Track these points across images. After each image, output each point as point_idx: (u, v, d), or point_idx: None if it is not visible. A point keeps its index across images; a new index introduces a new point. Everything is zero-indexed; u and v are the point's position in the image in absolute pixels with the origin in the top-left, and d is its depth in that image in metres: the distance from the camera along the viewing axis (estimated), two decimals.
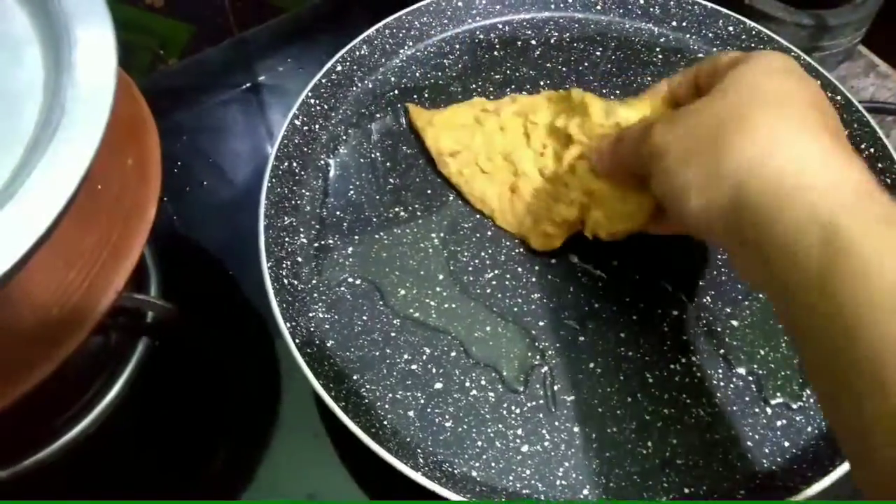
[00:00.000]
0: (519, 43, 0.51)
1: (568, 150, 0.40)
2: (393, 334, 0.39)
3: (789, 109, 0.30)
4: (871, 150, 0.44)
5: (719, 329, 0.39)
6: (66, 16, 0.32)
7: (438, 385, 0.38)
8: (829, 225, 0.25)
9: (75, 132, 0.29)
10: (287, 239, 0.42)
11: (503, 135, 0.43)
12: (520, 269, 0.41)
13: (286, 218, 0.42)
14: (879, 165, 0.44)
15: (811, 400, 0.37)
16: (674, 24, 0.52)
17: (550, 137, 0.42)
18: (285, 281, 0.40)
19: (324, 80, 0.46)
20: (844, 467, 0.33)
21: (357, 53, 0.48)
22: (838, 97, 0.46)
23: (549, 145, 0.42)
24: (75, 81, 0.30)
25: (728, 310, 0.40)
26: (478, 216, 0.43)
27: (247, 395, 0.46)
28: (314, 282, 0.41)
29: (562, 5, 0.53)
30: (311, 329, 0.39)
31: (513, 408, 0.37)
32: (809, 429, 0.36)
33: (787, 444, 0.36)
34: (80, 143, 0.28)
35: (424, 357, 0.38)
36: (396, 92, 0.49)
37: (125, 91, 0.38)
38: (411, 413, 0.37)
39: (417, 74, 0.50)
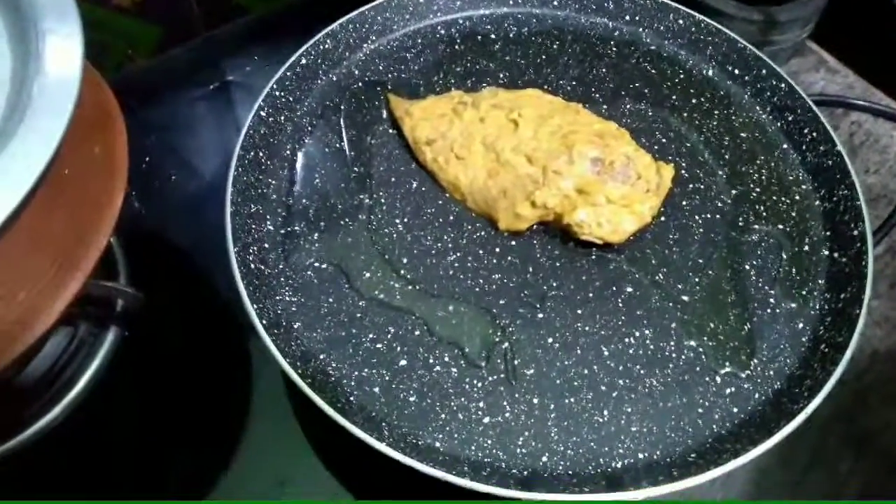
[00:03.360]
0: (479, 37, 0.53)
1: (576, 146, 0.42)
2: (358, 315, 0.40)
3: None
4: (814, 133, 0.46)
5: (671, 304, 0.41)
6: (34, 7, 0.32)
7: (403, 362, 0.39)
8: None
9: (43, 119, 0.29)
10: (254, 226, 0.43)
11: (483, 125, 0.45)
12: (481, 252, 0.43)
13: (252, 205, 0.43)
14: (821, 148, 0.46)
15: (758, 368, 0.39)
16: (627, 18, 0.54)
17: (543, 130, 0.44)
18: (252, 266, 0.40)
19: (289, 73, 0.47)
20: (788, 429, 0.35)
21: (321, 47, 0.49)
22: (782, 85, 0.48)
23: (542, 136, 0.44)
24: (42, 71, 0.31)
25: (679, 286, 0.41)
26: (440, 202, 0.45)
27: (218, 383, 0.47)
28: (281, 266, 0.42)
29: (520, 1, 0.55)
30: (279, 311, 0.40)
31: (475, 382, 0.38)
32: (756, 395, 0.38)
33: (735, 409, 0.38)
34: (47, 129, 0.29)
35: (389, 336, 0.40)
36: (360, 85, 0.50)
37: (92, 81, 0.39)
38: (377, 389, 0.38)
39: (381, 68, 0.51)
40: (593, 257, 0.42)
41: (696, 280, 0.42)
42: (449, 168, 0.44)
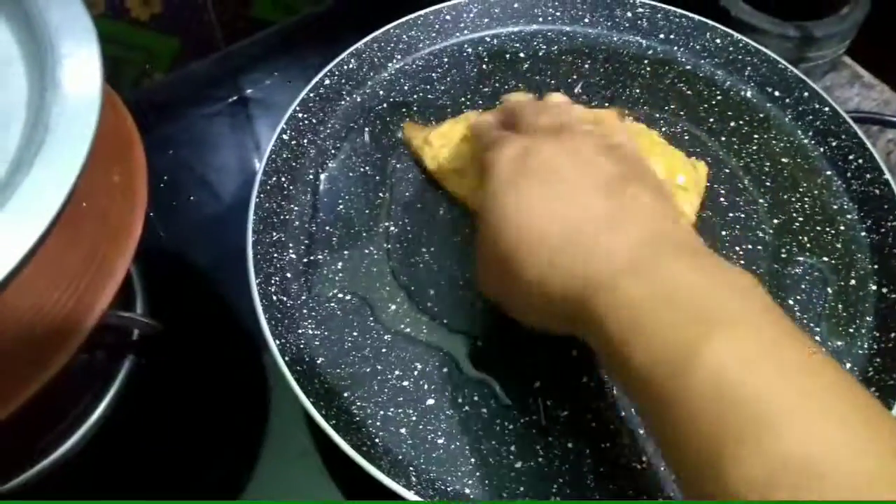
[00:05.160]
0: (507, 56, 0.51)
1: None
2: (384, 350, 0.39)
3: (538, 235, 0.31)
4: (860, 160, 0.44)
5: None
6: (51, 32, 0.31)
7: (430, 401, 0.37)
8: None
9: (60, 149, 0.28)
10: (276, 255, 0.41)
11: None
12: None
13: (275, 233, 0.42)
14: (868, 176, 0.44)
15: None
16: (661, 36, 0.52)
17: None
18: (274, 297, 0.39)
19: (312, 94, 0.46)
20: None
21: (345, 67, 0.48)
22: (826, 108, 0.46)
23: None
24: (60, 98, 0.30)
25: None
26: (468, 230, 0.43)
27: (235, 414, 0.45)
28: (303, 298, 0.40)
29: (550, 18, 0.53)
30: (301, 346, 0.38)
31: (506, 423, 0.36)
32: None
33: None
34: (65, 160, 0.28)
35: (416, 373, 0.38)
36: (385, 105, 0.48)
37: (111, 107, 0.38)
38: (403, 430, 0.36)
39: (406, 88, 0.49)
40: None
41: None
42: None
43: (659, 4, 0.51)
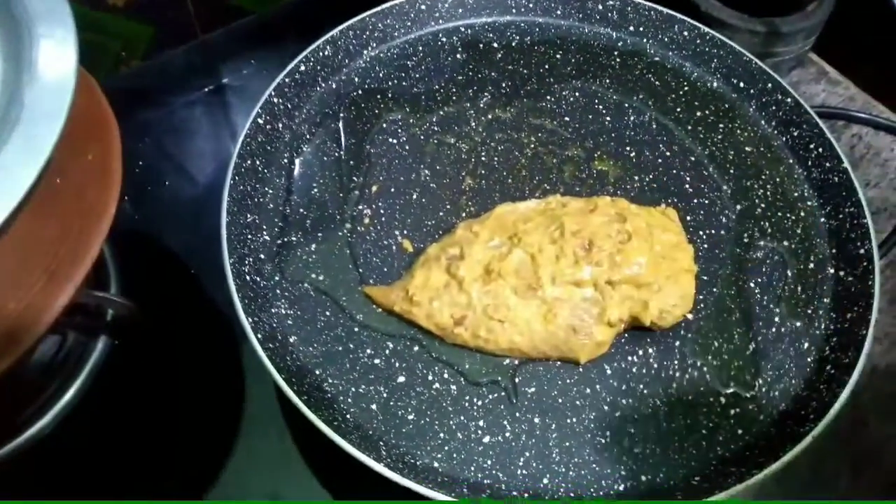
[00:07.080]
0: (481, 46, 0.52)
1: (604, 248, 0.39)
2: (356, 330, 0.39)
3: None
4: (820, 149, 0.46)
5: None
6: (29, 14, 0.32)
7: (401, 379, 0.38)
8: None
9: (35, 126, 0.29)
10: (250, 236, 0.42)
11: (498, 274, 0.39)
12: None
13: (249, 215, 0.42)
14: (827, 164, 0.45)
15: (763, 389, 0.38)
16: (631, 28, 0.53)
17: (565, 246, 0.40)
18: (248, 277, 0.40)
19: (287, 80, 0.47)
20: (794, 452, 0.34)
21: (321, 54, 0.49)
22: (788, 99, 0.48)
23: (567, 252, 0.39)
24: (36, 77, 0.30)
25: None
26: (441, 213, 0.44)
27: (209, 395, 0.46)
28: (277, 278, 0.41)
29: (523, 10, 0.54)
30: (274, 325, 0.39)
31: (474, 400, 0.37)
32: (761, 417, 0.37)
33: (740, 431, 0.37)
34: (39, 137, 0.28)
35: (387, 352, 0.39)
36: (360, 92, 0.49)
37: (86, 88, 0.38)
38: (374, 406, 0.37)
39: (381, 75, 0.50)
40: None
41: (700, 298, 0.41)
42: (497, 336, 0.38)
43: None
